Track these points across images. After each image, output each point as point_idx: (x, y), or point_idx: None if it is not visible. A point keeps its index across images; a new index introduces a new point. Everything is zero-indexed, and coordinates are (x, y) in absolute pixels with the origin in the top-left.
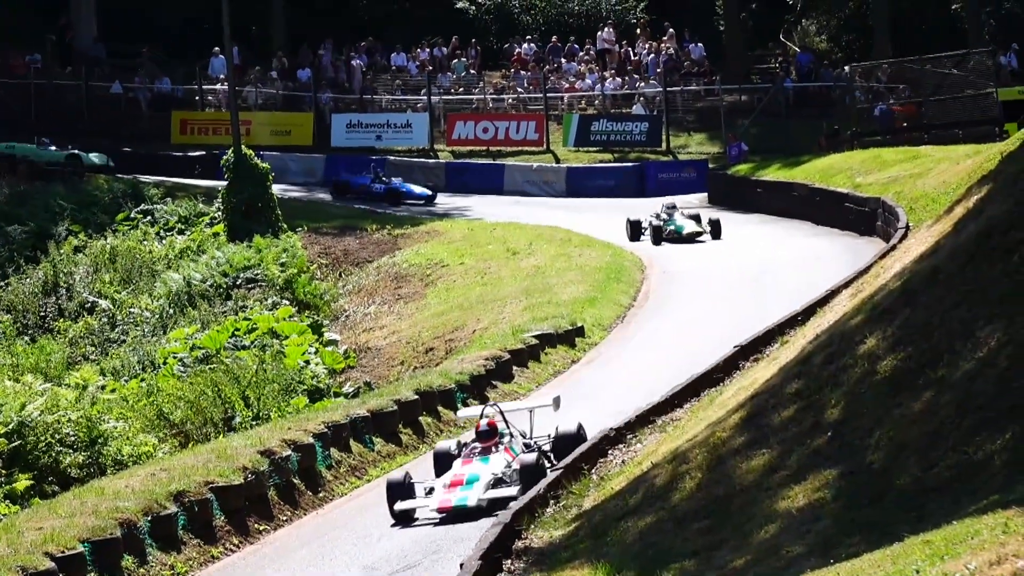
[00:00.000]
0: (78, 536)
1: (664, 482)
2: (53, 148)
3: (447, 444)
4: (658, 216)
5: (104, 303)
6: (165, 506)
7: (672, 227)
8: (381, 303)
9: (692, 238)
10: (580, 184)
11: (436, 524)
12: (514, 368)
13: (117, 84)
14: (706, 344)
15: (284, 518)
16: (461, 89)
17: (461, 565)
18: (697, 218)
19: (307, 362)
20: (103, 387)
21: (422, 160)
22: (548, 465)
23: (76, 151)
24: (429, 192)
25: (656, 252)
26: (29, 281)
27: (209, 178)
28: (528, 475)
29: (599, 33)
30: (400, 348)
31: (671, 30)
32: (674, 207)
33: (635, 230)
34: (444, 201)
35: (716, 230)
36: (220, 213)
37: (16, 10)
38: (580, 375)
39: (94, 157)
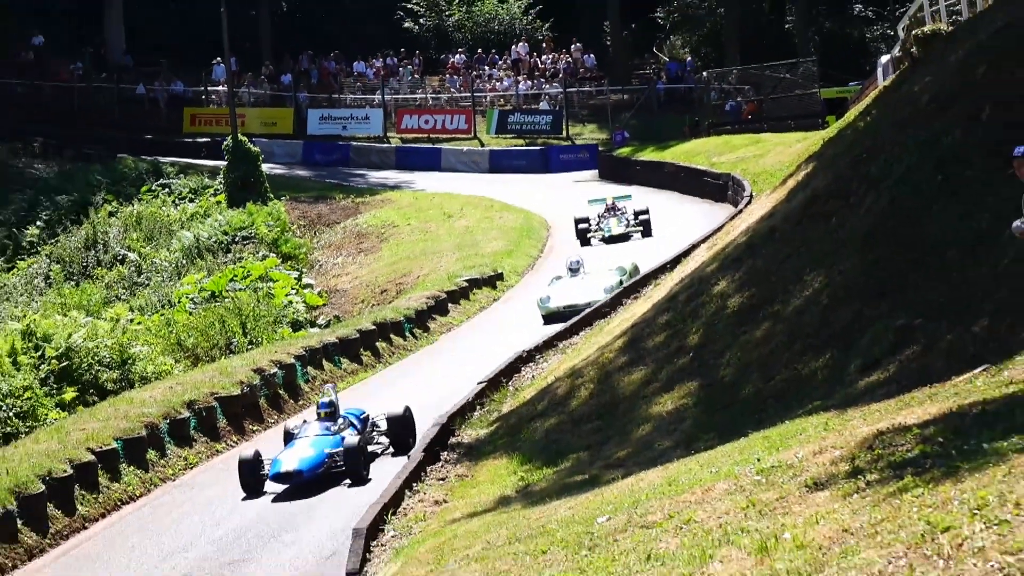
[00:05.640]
0: (113, 435)
1: (564, 392)
2: None
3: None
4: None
5: (132, 255)
6: (180, 412)
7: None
8: (346, 255)
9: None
10: (499, 163)
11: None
12: (449, 305)
13: (141, 87)
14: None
15: (272, 421)
16: (408, 90)
17: (408, 455)
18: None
19: (290, 301)
20: (132, 320)
21: (378, 145)
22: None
23: None
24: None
25: (559, 214)
26: (74, 238)
27: (213, 159)
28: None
29: (513, 46)
30: (361, 290)
31: (578, 43)
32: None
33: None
34: (394, 176)
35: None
36: (221, 186)
37: (63, 30)
38: (500, 310)
39: None
